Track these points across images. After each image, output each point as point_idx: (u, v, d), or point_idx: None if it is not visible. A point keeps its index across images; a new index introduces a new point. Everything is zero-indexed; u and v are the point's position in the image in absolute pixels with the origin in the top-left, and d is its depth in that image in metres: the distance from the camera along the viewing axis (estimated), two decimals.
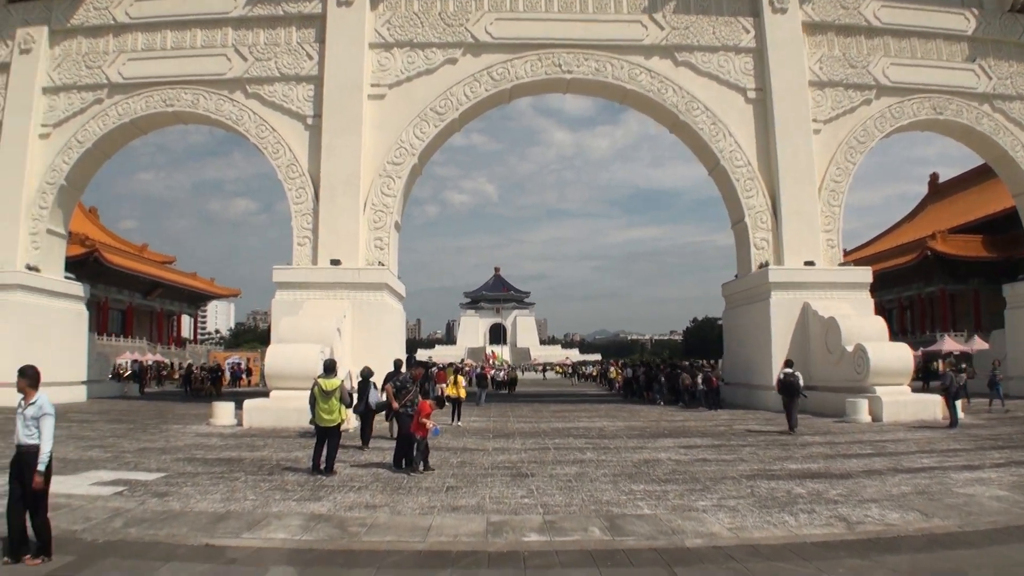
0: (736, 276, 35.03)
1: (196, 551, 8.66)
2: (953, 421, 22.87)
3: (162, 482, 13.00)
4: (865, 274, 32.22)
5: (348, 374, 22.76)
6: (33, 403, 8.17)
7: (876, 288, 31.89)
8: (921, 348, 52.46)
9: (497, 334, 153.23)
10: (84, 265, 58.13)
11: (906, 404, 25.65)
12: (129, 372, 49.87)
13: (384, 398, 15.99)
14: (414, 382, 15.38)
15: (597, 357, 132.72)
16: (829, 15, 33.31)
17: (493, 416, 28.06)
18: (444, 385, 32.86)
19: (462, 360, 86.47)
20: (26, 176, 32.74)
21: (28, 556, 7.83)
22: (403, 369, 16.65)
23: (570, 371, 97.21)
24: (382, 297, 30.06)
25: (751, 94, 32.75)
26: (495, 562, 8.28)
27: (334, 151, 30.84)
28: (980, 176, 73.16)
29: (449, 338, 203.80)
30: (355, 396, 19.06)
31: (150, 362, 58.71)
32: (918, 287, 71.19)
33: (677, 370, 36.79)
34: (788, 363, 23.30)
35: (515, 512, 10.67)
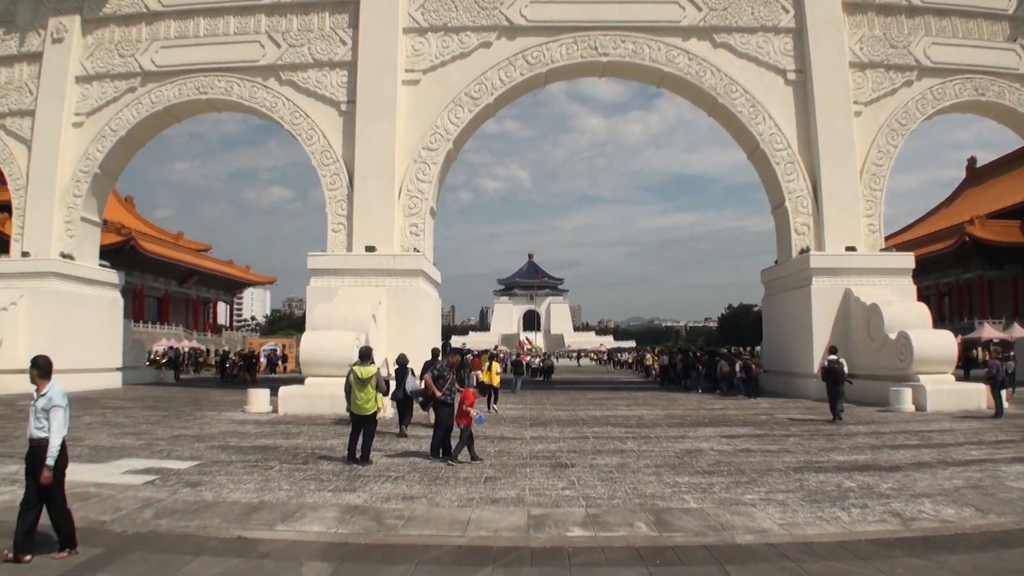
0: (776, 262, 34.41)
1: (228, 544, 8.43)
2: (999, 411, 22.25)
3: (195, 471, 12.83)
4: (907, 259, 31.50)
5: (384, 361, 22.59)
6: (44, 395, 7.88)
7: (913, 274, 31.17)
8: (960, 336, 51.46)
9: (531, 321, 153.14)
10: (120, 253, 58.70)
11: (950, 393, 25.05)
12: (165, 359, 50.10)
13: (422, 385, 15.70)
14: (451, 370, 15.12)
15: (631, 344, 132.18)
16: None
17: (529, 404, 27.78)
18: (479, 372, 32.80)
19: (495, 347, 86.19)
20: (59, 165, 32.96)
21: (28, 556, 7.54)
22: (440, 357, 16.40)
23: (605, 358, 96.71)
24: (417, 283, 29.82)
25: (791, 76, 32.00)
26: (538, 559, 7.96)
27: (368, 137, 30.59)
28: (1019, 160, 72.17)
29: (483, 325, 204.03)
30: (391, 384, 18.92)
31: (186, 349, 59.08)
32: (956, 273, 70.07)
33: (715, 357, 36.26)
34: (832, 349, 22.90)
35: (557, 505, 10.33)
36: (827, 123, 31.19)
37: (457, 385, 14.95)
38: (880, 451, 15.53)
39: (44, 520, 7.82)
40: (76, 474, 12.03)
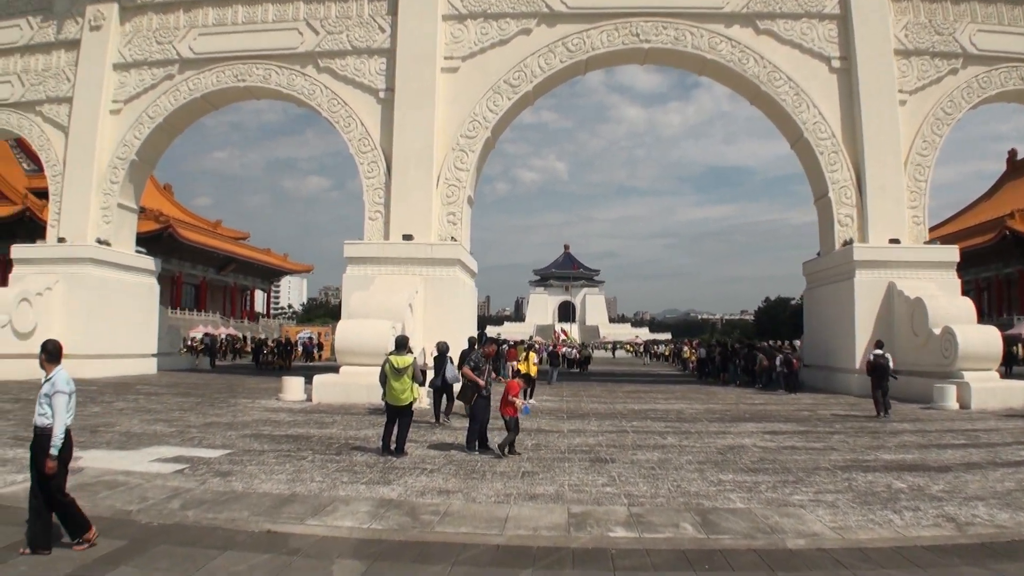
0: (818, 254, 33.79)
1: (257, 538, 8.20)
2: None
3: (226, 460, 12.66)
4: (952, 252, 30.63)
5: (422, 351, 22.44)
6: (49, 379, 7.54)
7: (956, 268, 30.51)
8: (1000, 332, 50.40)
9: (566, 312, 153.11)
10: (159, 240, 59.29)
11: (995, 391, 24.50)
12: (202, 345, 50.45)
13: (460, 374, 15.43)
14: (486, 360, 14.82)
15: (667, 336, 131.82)
16: None
17: (566, 396, 27.47)
18: (515, 363, 32.57)
19: (531, 337, 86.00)
20: (97, 151, 33.12)
21: (47, 550, 7.29)
22: (476, 347, 16.14)
23: (641, 350, 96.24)
24: (454, 273, 29.58)
25: (835, 63, 31.25)
26: (580, 561, 7.65)
27: (406, 125, 30.37)
28: None
29: (518, 315, 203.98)
30: (429, 372, 18.78)
31: (223, 336, 59.51)
32: (996, 268, 68.85)
33: (754, 351, 35.75)
34: (879, 344, 22.46)
35: (597, 502, 9.99)
36: (872, 112, 30.46)
37: (496, 375, 14.69)
38: (928, 450, 15.08)
39: None
40: (106, 461, 12.06)
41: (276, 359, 44.62)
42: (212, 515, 8.95)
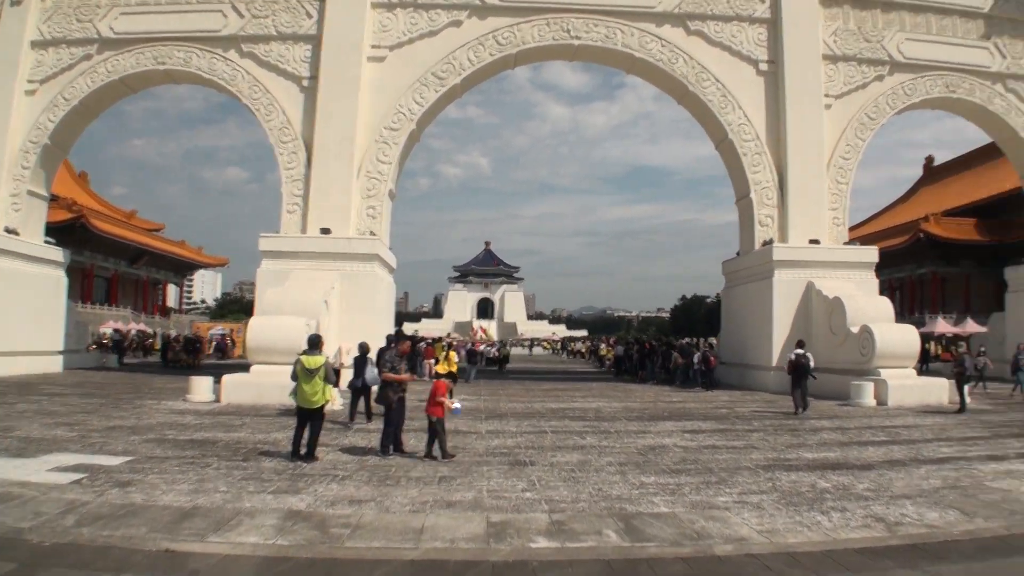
0: (738, 253, 34.10)
1: (154, 558, 7.50)
2: (962, 406, 22.19)
3: (127, 468, 11.80)
4: (871, 253, 31.22)
5: (339, 350, 21.75)
6: None
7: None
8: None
9: (484, 308, 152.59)
10: (71, 231, 56.85)
11: (912, 388, 25.08)
12: (110, 342, 48.52)
13: (379, 375, 14.75)
14: (401, 358, 14.20)
15: (584, 333, 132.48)
16: None
17: (484, 395, 26.96)
18: (432, 361, 32.04)
19: (448, 334, 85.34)
20: (9, 134, 31.37)
21: None
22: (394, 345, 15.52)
23: (559, 347, 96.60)
24: (373, 268, 28.94)
25: (763, 66, 31.65)
26: (500, 575, 7.20)
27: (329, 114, 29.57)
28: (974, 160, 73.43)
29: (436, 312, 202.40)
30: (348, 372, 18.17)
31: (133, 332, 57.46)
32: (910, 269, 70.70)
33: (669, 349, 35.93)
34: (800, 343, 22.64)
35: (517, 510, 9.53)
36: (797, 115, 30.91)
37: (414, 374, 14.10)
38: (849, 448, 15.17)
39: None
40: (2, 471, 11.12)
41: (184, 357, 43.19)
42: (108, 532, 8.20)
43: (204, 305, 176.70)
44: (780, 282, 29.89)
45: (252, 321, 24.98)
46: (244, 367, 24.51)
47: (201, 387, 22.60)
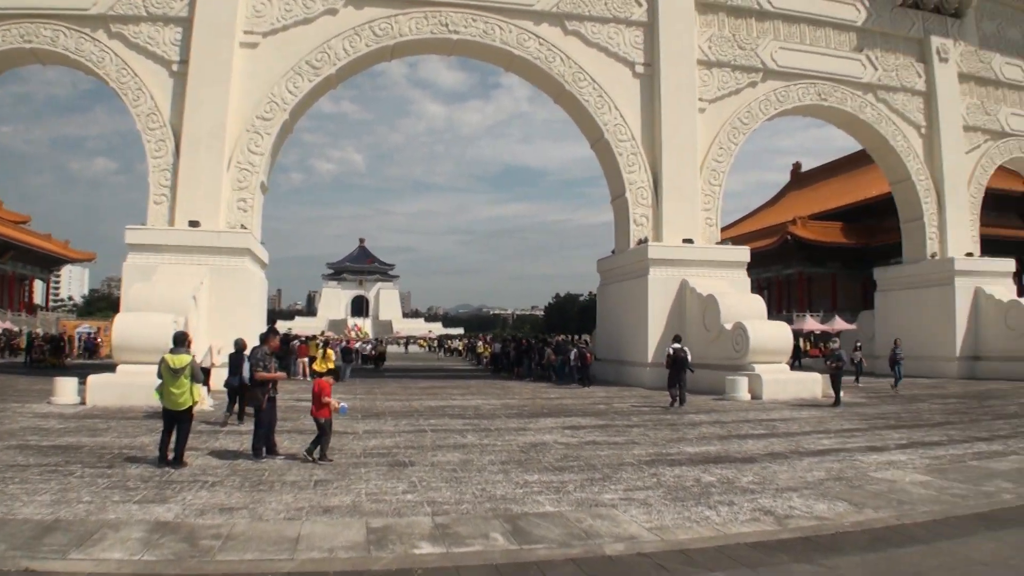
0: (613, 252, 34.42)
1: None
2: (837, 400, 22.80)
3: None
4: (743, 253, 32.13)
5: (210, 349, 20.64)
6: None
7: None
8: None
9: (359, 306, 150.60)
10: None
11: (786, 382, 25.82)
12: None
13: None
14: (271, 356, 13.37)
15: (460, 331, 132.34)
16: None
17: (360, 393, 26.11)
18: (306, 360, 31.05)
19: (323, 332, 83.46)
20: None
21: None
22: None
23: (435, 345, 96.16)
24: (244, 263, 27.68)
25: (639, 68, 31.98)
26: None
27: (200, 101, 27.93)
28: (840, 167, 77.19)
29: (310, 309, 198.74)
30: (223, 371, 17.28)
31: None
32: (778, 269, 73.35)
33: (544, 346, 36.05)
34: (676, 338, 23.07)
35: (399, 513, 8.94)
36: (671, 117, 31.41)
37: (287, 374, 13.30)
38: (728, 441, 15.27)
39: None
40: None
41: (48, 357, 40.65)
42: None
43: (72, 302, 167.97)
44: (655, 280, 30.26)
45: (118, 318, 23.48)
46: (111, 367, 22.94)
47: (66, 389, 21.00)
